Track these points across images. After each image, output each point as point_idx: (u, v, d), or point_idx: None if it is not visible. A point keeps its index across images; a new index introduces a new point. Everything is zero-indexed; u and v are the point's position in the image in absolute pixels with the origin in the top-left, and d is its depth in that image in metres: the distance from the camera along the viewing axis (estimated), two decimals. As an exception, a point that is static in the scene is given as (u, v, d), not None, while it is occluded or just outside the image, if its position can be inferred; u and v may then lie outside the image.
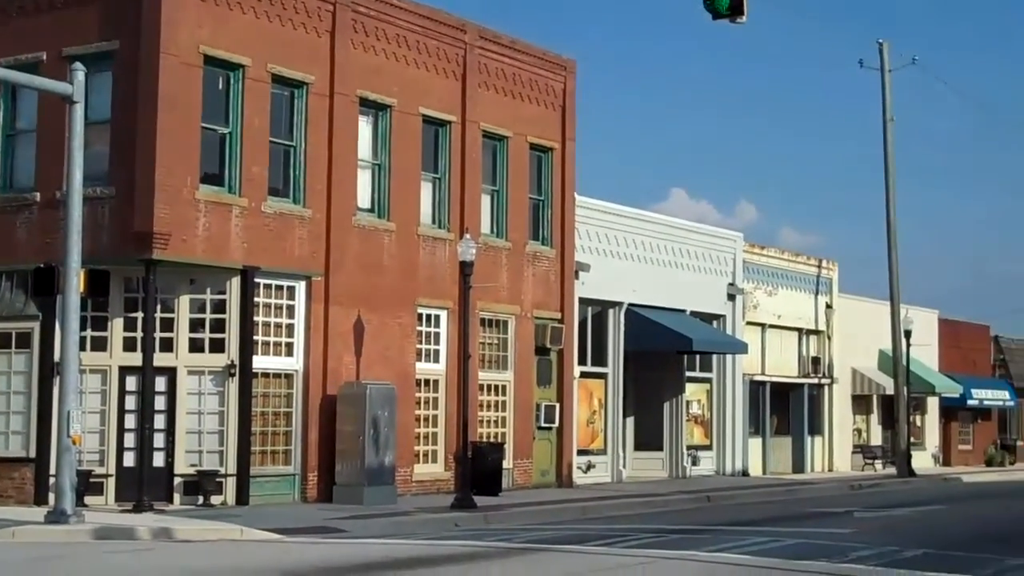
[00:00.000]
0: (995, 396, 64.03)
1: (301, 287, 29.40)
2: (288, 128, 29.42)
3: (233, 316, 27.86)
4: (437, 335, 32.80)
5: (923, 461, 56.22)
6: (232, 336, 27.82)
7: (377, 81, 31.18)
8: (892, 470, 49.78)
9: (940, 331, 60.92)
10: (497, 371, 34.72)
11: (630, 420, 41.21)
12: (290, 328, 29.23)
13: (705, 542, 21.83)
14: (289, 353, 29.19)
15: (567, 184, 36.96)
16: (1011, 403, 65.58)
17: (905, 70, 51.22)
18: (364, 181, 31.24)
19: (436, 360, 32.73)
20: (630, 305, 39.52)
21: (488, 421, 34.36)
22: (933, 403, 60.13)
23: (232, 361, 27.72)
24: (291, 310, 29.27)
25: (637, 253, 40.14)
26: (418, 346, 32.23)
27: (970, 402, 61.42)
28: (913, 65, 50.51)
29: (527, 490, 33.98)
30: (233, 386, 27.70)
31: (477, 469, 30.86)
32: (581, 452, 37.65)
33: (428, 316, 32.57)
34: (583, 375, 37.91)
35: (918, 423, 58.41)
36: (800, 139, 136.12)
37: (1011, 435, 68.24)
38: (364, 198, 31.21)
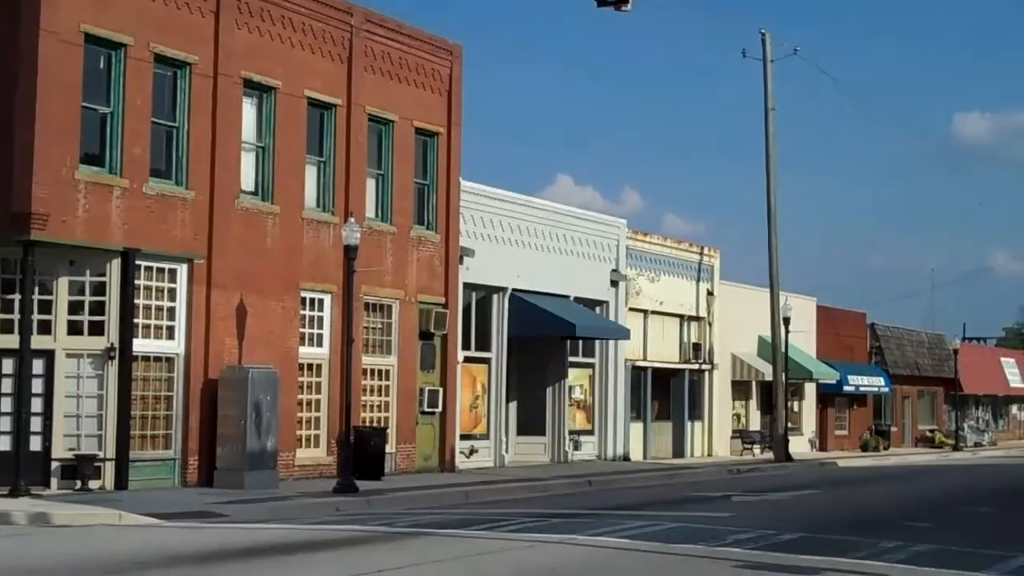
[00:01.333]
0: (871, 382, 65.24)
1: (183, 270, 29.06)
2: (171, 109, 29.03)
3: (113, 299, 27.45)
4: (321, 319, 32.63)
5: (800, 446, 57.13)
6: (112, 319, 27.41)
7: (262, 63, 30.88)
8: (770, 455, 50.51)
9: (818, 318, 61.84)
10: (381, 356, 34.63)
11: (513, 405, 41.34)
12: (171, 311, 28.88)
13: (586, 526, 21.98)
14: (170, 336, 28.84)
15: (452, 169, 36.93)
16: (886, 389, 66.89)
17: (789, 60, 51.92)
18: (248, 163, 30.94)
19: (319, 344, 32.57)
20: (514, 291, 39.63)
21: (371, 406, 34.26)
22: (810, 389, 61.07)
23: (112, 344, 27.33)
24: (172, 293, 28.92)
25: (522, 239, 40.24)
26: (301, 330, 32.03)
27: (846, 388, 62.47)
28: (796, 56, 51.20)
29: (410, 475, 33.96)
30: (112, 369, 27.31)
31: (359, 454, 30.78)
32: (464, 437, 37.70)
33: (312, 300, 32.39)
34: (467, 360, 37.94)
35: (796, 409, 59.32)
36: (686, 128, 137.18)
37: (885, 421, 69.53)
38: (248, 181, 30.92)
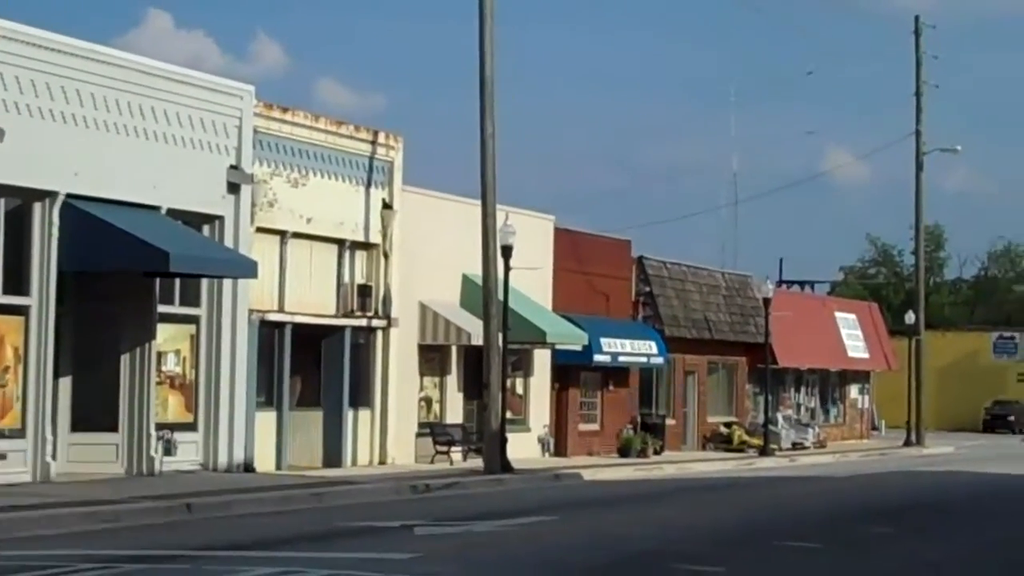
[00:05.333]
0: (636, 349, 66.38)
1: None
2: None
3: None
4: None
5: (525, 448, 57.99)
6: None
7: None
8: (478, 462, 51.24)
9: (558, 248, 62.39)
10: None
11: (66, 382, 40.98)
12: None
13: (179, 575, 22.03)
14: None
15: (-31, -4, 36.24)
16: (659, 360, 67.91)
17: None
18: None
19: None
20: (70, 197, 39.12)
21: None
22: (543, 359, 62.01)
23: None
24: None
25: (84, 113, 39.72)
26: None
27: (599, 358, 63.48)
28: None
29: None
30: None
31: None
32: (-16, 434, 37.31)
33: None
34: (-10, 309, 37.51)
35: (519, 390, 60.25)
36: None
37: (658, 409, 70.90)
38: None
